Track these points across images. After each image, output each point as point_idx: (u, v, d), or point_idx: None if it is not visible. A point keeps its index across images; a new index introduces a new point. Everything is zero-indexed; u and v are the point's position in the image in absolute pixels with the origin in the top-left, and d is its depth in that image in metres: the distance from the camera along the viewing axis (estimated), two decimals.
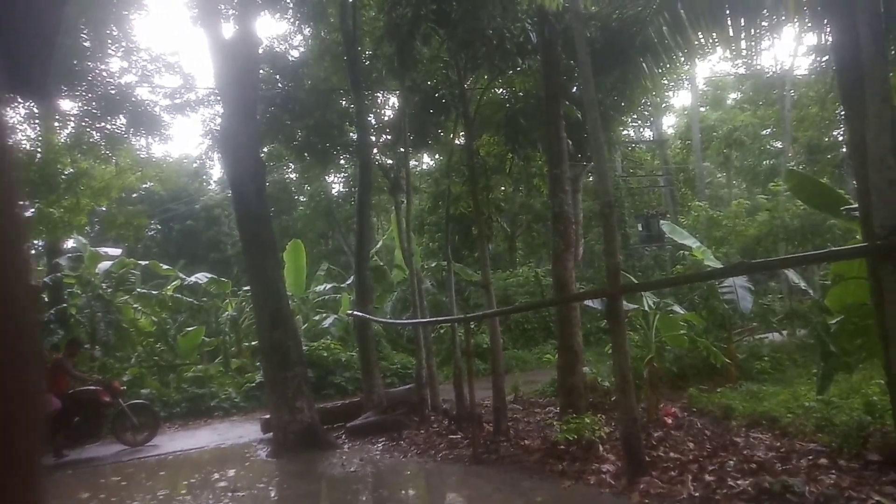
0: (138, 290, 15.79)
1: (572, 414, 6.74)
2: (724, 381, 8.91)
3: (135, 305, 15.51)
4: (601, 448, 5.97)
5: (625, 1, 7.33)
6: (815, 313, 7.05)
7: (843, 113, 4.67)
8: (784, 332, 11.67)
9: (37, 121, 13.43)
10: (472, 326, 13.10)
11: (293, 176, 26.92)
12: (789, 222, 12.73)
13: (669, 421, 7.16)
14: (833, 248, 7.60)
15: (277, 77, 13.55)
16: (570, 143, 8.74)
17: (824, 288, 11.21)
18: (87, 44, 12.45)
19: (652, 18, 6.88)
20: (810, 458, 5.00)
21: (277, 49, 14.16)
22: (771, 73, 25.75)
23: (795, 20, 5.90)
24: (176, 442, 10.28)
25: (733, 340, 9.85)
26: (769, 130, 29.47)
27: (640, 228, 25.20)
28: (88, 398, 9.63)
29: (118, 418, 10.07)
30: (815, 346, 6.16)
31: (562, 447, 6.23)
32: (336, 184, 28.11)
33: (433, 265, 18.87)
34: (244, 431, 10.65)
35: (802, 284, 10.11)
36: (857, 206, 5.00)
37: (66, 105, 13.48)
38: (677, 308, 8.87)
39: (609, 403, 8.04)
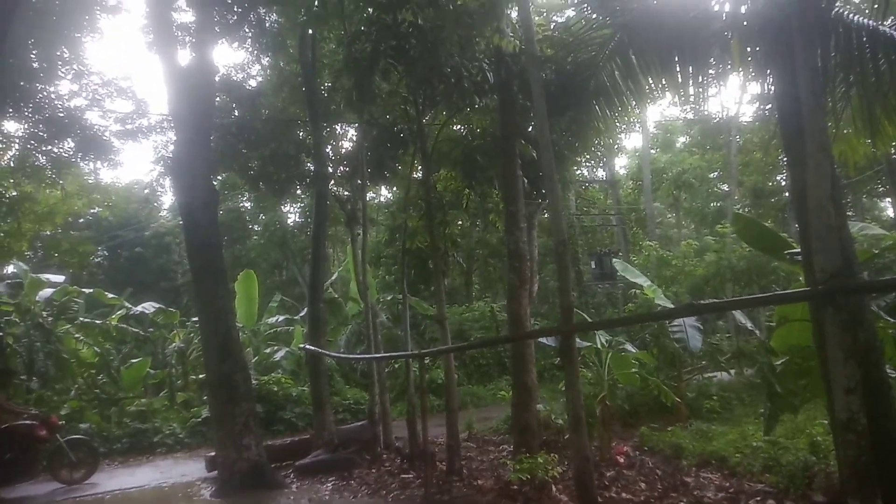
0: (81, 318, 15.15)
1: (526, 452, 6.70)
2: (674, 419, 9.01)
3: (77, 335, 14.85)
4: (554, 488, 5.93)
5: (579, 45, 7.50)
6: (762, 354, 7.20)
7: (785, 159, 4.85)
8: (732, 372, 11.89)
9: None
10: (427, 362, 12.98)
11: (247, 205, 26.56)
12: (736, 263, 13.08)
13: (621, 460, 7.18)
14: (779, 292, 7.85)
15: (234, 106, 13.39)
16: (526, 181, 8.86)
17: (769, 328, 11.52)
18: (35, 64, 12.13)
19: (605, 63, 7.06)
20: (758, 498, 5.06)
21: (235, 78, 14.02)
22: (717, 118, 26.80)
23: (740, 70, 6.13)
24: (115, 480, 9.80)
25: (683, 379, 9.99)
26: (716, 174, 30.52)
27: (594, 266, 25.55)
28: (23, 433, 9.11)
29: (55, 455, 9.55)
30: (762, 385, 6.29)
31: (515, 487, 6.18)
32: (292, 214, 27.86)
33: (389, 298, 18.72)
34: (188, 469, 10.24)
35: (749, 325, 10.35)
36: (799, 250, 5.18)
37: (11, 126, 13.08)
38: (629, 346, 8.98)
39: (562, 441, 8.02)
